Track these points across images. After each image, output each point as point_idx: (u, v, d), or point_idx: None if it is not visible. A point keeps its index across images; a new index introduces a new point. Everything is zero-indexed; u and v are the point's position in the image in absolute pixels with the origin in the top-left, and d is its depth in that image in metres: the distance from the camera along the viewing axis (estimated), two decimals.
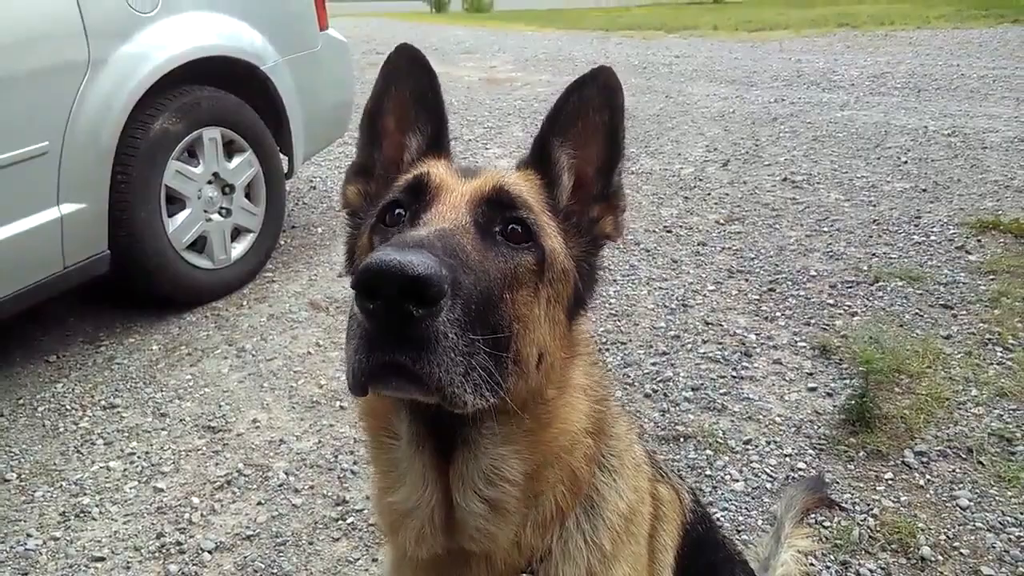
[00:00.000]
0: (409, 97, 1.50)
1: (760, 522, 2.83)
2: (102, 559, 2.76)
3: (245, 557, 2.74)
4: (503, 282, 1.19)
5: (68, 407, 3.72)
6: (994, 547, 2.63)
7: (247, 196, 4.95)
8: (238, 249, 4.93)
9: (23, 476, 3.24)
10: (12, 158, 3.52)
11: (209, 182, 4.65)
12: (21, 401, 3.78)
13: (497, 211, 1.28)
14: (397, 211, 1.32)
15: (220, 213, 4.75)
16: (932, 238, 5.21)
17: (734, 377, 3.75)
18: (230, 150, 4.80)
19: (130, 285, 4.50)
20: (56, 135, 3.71)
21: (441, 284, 0.99)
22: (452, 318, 1.03)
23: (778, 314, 4.34)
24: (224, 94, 4.71)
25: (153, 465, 3.28)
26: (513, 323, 1.18)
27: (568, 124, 1.44)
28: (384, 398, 1.29)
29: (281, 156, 5.31)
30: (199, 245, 4.66)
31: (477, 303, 1.09)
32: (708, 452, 3.21)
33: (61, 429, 3.55)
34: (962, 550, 2.63)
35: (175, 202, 4.48)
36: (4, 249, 3.54)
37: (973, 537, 2.68)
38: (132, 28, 4.12)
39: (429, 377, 1.02)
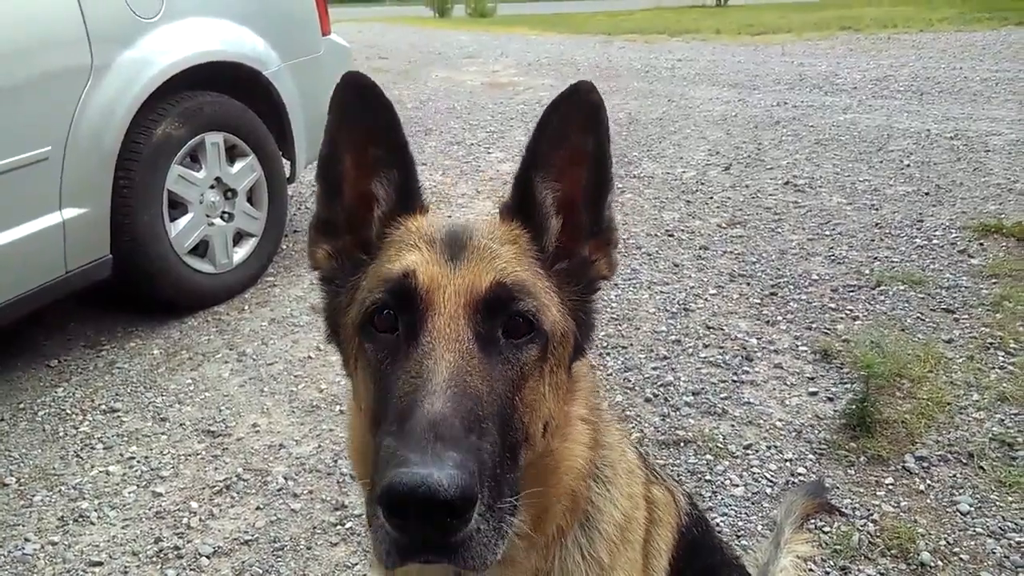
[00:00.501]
0: (364, 135, 1.35)
1: (760, 527, 2.82)
2: (100, 564, 2.76)
3: (243, 562, 2.74)
4: (512, 391, 1.16)
5: (68, 411, 3.73)
6: (994, 553, 2.62)
7: (249, 201, 4.96)
8: (240, 253, 4.94)
9: (22, 480, 3.25)
10: (15, 163, 3.53)
11: (211, 187, 4.66)
12: (21, 405, 3.79)
13: (497, 310, 1.20)
14: (386, 312, 1.22)
15: (222, 217, 4.76)
16: (934, 242, 5.20)
17: (735, 381, 3.74)
18: (232, 155, 4.81)
19: (132, 289, 4.51)
20: (59, 140, 3.73)
21: (473, 495, 0.98)
22: (483, 508, 1.02)
23: (779, 318, 4.33)
24: (227, 99, 4.72)
25: (152, 469, 3.28)
26: (524, 419, 1.17)
27: (549, 155, 1.32)
28: None
29: (283, 161, 5.32)
30: (201, 249, 4.67)
31: (497, 456, 1.08)
32: (708, 457, 3.20)
33: (61, 433, 3.56)
34: (962, 556, 2.62)
35: (177, 207, 4.49)
36: (7, 254, 3.55)
37: (973, 543, 2.67)
38: (135, 33, 4.13)
39: (467, 564, 1.03)
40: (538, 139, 1.31)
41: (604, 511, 1.39)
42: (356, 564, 2.71)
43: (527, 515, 1.24)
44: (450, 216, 5.56)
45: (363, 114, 1.34)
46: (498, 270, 1.23)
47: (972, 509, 2.81)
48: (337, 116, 1.36)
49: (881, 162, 7.18)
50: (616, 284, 4.87)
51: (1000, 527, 2.72)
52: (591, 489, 1.39)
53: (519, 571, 1.29)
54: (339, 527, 2.90)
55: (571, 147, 1.32)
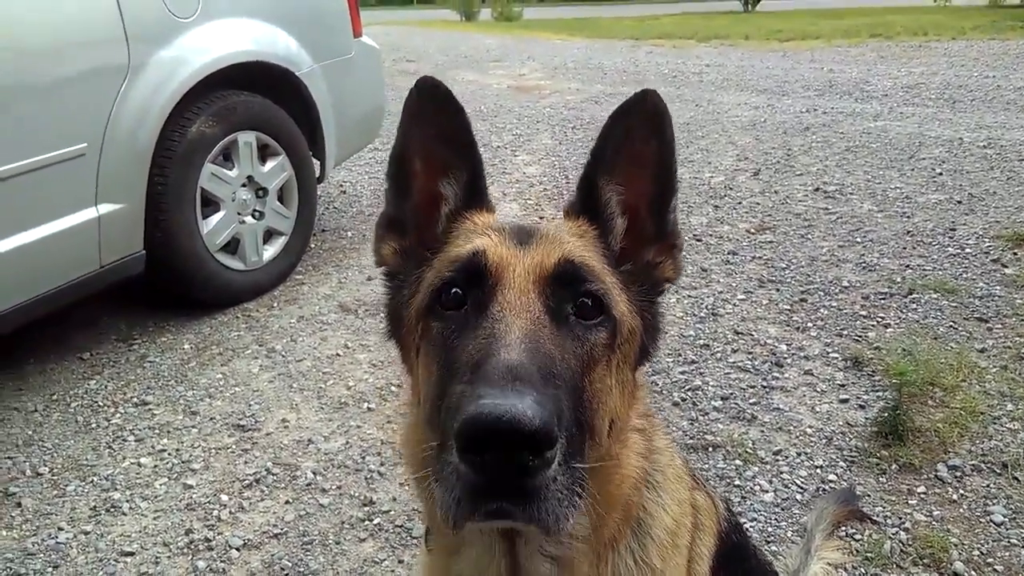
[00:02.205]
0: (437, 137, 1.38)
1: (790, 533, 2.79)
2: (131, 554, 2.80)
3: (272, 555, 2.76)
4: (582, 369, 1.15)
5: (100, 404, 3.78)
6: None
7: (279, 199, 5.01)
8: (270, 251, 4.98)
9: (55, 471, 3.29)
10: (53, 159, 3.59)
11: (243, 185, 4.72)
12: (54, 397, 3.85)
13: (567, 289, 1.20)
14: (454, 291, 1.22)
15: (253, 216, 4.81)
16: (967, 250, 5.13)
17: (764, 387, 3.71)
18: (264, 154, 4.86)
19: (164, 285, 4.57)
20: (96, 137, 3.78)
21: (554, 432, 0.95)
22: (560, 458, 0.99)
23: (809, 325, 4.29)
24: (260, 99, 4.77)
25: (183, 462, 3.32)
26: (592, 404, 1.15)
27: (614, 159, 1.34)
28: None
29: (313, 160, 5.36)
30: (232, 247, 4.73)
31: (571, 414, 1.06)
32: (737, 462, 3.18)
33: (93, 425, 3.61)
34: (996, 566, 2.58)
35: (209, 204, 4.54)
36: (43, 247, 3.61)
37: (1007, 554, 2.63)
38: (171, 33, 4.19)
39: (539, 521, 1.00)
40: (603, 143, 1.33)
41: (656, 517, 1.38)
42: (384, 560, 2.72)
43: (587, 519, 1.22)
44: None
45: (435, 116, 1.37)
46: (566, 251, 1.25)
47: (1006, 520, 2.77)
48: (410, 117, 1.39)
49: (913, 170, 7.10)
50: None
51: None
52: (643, 496, 1.37)
53: (576, 574, 1.27)
54: (367, 523, 2.91)
55: (636, 153, 1.33)
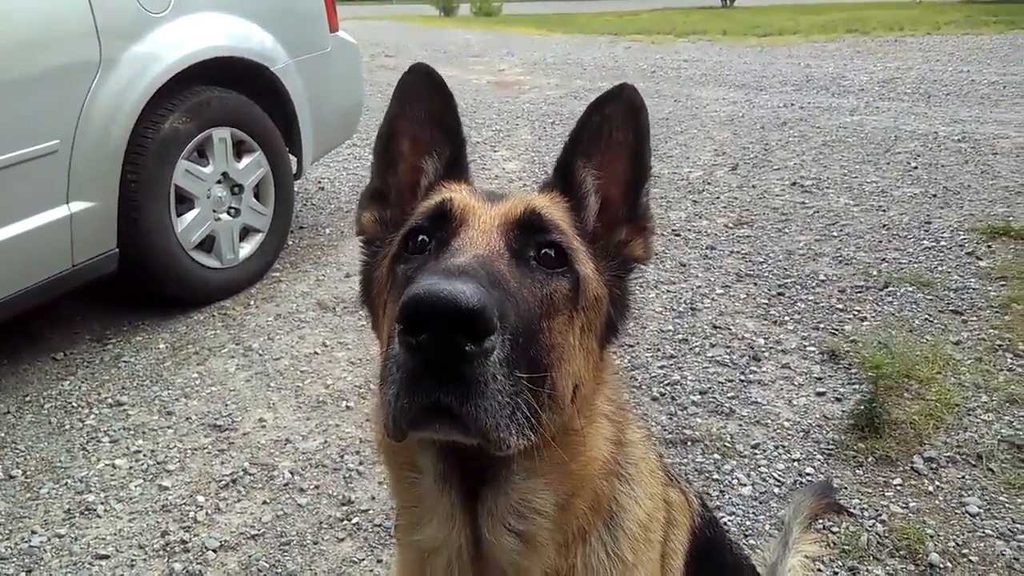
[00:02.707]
0: (425, 118, 1.45)
1: (768, 527, 2.81)
2: (106, 557, 2.76)
3: (249, 556, 2.74)
4: (541, 310, 1.15)
5: (74, 404, 3.73)
6: (1003, 554, 2.61)
7: (256, 196, 4.96)
8: (246, 249, 4.93)
9: (28, 473, 3.24)
10: (23, 156, 3.53)
11: (218, 182, 4.66)
12: (27, 398, 3.79)
13: (530, 235, 1.23)
14: (420, 238, 1.26)
15: (229, 213, 4.76)
16: (942, 244, 5.19)
17: (742, 381, 3.73)
18: (240, 150, 4.81)
19: (138, 284, 4.51)
20: (67, 134, 3.73)
21: (492, 317, 0.94)
22: (500, 356, 0.98)
23: (787, 318, 4.31)
24: (234, 95, 4.72)
25: (159, 463, 3.28)
26: (551, 354, 1.15)
27: (591, 144, 1.40)
28: None
29: (290, 157, 5.32)
30: (207, 244, 4.67)
31: (521, 336, 1.05)
32: (716, 456, 3.19)
33: (67, 426, 3.56)
34: (971, 557, 2.61)
35: (184, 201, 4.49)
36: (13, 246, 3.55)
37: (982, 544, 2.66)
38: (143, 28, 4.13)
39: (475, 421, 0.97)
40: (581, 130, 1.40)
41: (628, 510, 1.38)
42: (363, 560, 2.71)
43: (551, 495, 1.23)
44: None
45: (424, 100, 1.45)
46: (534, 203, 1.30)
47: (981, 511, 2.80)
48: (402, 100, 1.46)
49: (888, 164, 7.17)
50: None
51: (1009, 529, 2.71)
52: (615, 488, 1.37)
53: (540, 554, 1.26)
54: (345, 522, 2.89)
55: (611, 143, 1.40)
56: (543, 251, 1.23)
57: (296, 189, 5.77)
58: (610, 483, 1.36)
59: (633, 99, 1.37)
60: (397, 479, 1.34)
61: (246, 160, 4.83)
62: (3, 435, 3.50)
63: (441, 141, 1.46)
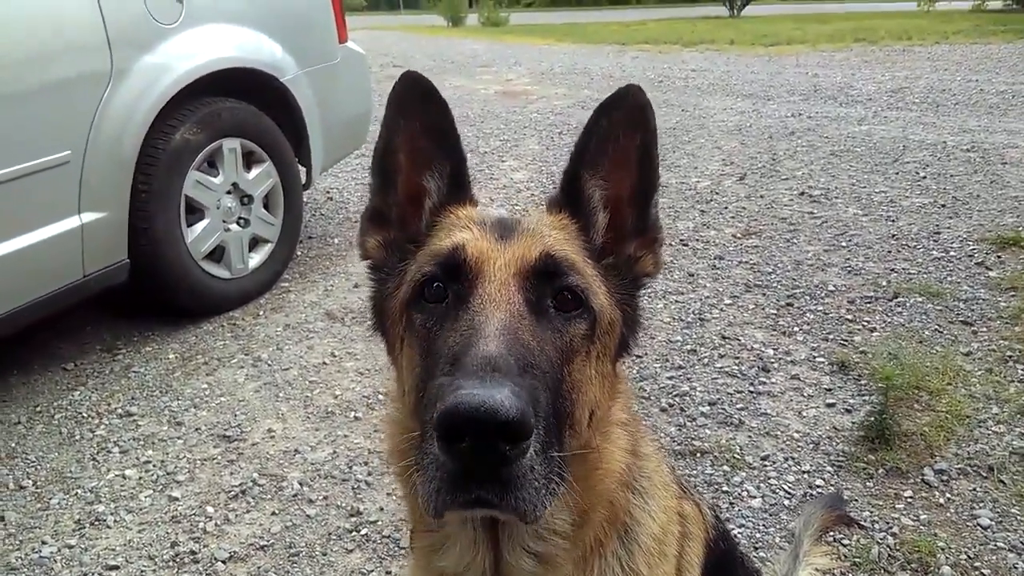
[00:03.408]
0: (421, 131, 1.40)
1: (778, 539, 2.79)
2: (116, 567, 2.76)
3: (259, 567, 2.74)
4: (561, 360, 1.16)
5: (85, 415, 3.74)
6: (1016, 567, 2.59)
7: (265, 207, 4.98)
8: (255, 259, 4.95)
9: (39, 483, 3.25)
10: (35, 167, 3.55)
11: (228, 192, 4.69)
12: (38, 408, 3.81)
13: (546, 282, 1.22)
14: (436, 285, 1.24)
15: (238, 223, 4.78)
16: (952, 254, 5.17)
17: (751, 392, 3.72)
18: (249, 161, 4.84)
19: (148, 294, 4.53)
20: (78, 144, 3.75)
21: (530, 421, 0.97)
22: (537, 447, 1.01)
23: (796, 329, 4.30)
24: (244, 105, 4.75)
25: (168, 474, 3.28)
26: (572, 394, 1.16)
27: (598, 153, 1.36)
28: None
29: (299, 167, 5.34)
30: (217, 255, 4.69)
31: (549, 403, 1.07)
32: (725, 468, 3.18)
33: (77, 437, 3.57)
34: (983, 570, 2.59)
35: (194, 212, 4.51)
36: (25, 257, 3.57)
37: (994, 557, 2.64)
38: (154, 39, 4.16)
39: (514, 508, 1.01)
40: (587, 138, 1.35)
41: (643, 523, 1.38)
42: (372, 571, 2.70)
43: (568, 514, 1.24)
44: None
45: (418, 112, 1.38)
46: (547, 245, 1.26)
47: (993, 523, 2.78)
48: (394, 112, 1.40)
49: (897, 174, 7.15)
50: None
51: (1022, 541, 2.69)
52: (629, 501, 1.37)
53: (558, 573, 1.27)
54: (354, 533, 2.89)
55: (619, 147, 1.35)
56: (559, 293, 1.22)
57: (305, 199, 5.80)
58: (624, 495, 1.35)
59: (640, 100, 1.33)
60: (415, 505, 1.33)
61: (256, 171, 4.86)
62: (14, 445, 3.51)
63: (440, 156, 1.42)
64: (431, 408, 1.02)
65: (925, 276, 4.86)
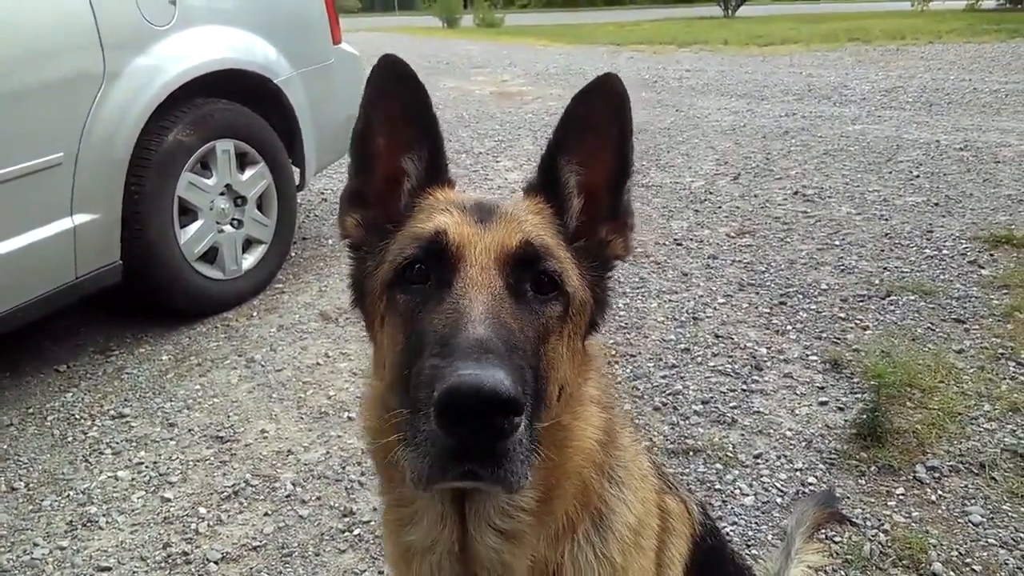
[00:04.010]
0: (398, 113, 1.42)
1: (770, 537, 2.80)
2: (108, 569, 2.76)
3: (251, 568, 2.74)
4: (538, 340, 1.21)
5: (77, 416, 3.73)
6: (1007, 564, 2.59)
7: (259, 208, 4.98)
8: (249, 260, 4.95)
9: (31, 485, 3.25)
10: (27, 168, 3.54)
11: (221, 193, 4.68)
12: (30, 410, 3.80)
13: (525, 267, 1.26)
14: (418, 267, 1.27)
15: (232, 224, 4.77)
16: (944, 252, 5.18)
17: (744, 391, 3.72)
18: (243, 162, 4.83)
19: (142, 295, 4.53)
20: (71, 146, 3.74)
21: (523, 400, 1.02)
22: (525, 422, 1.06)
23: (789, 328, 4.31)
24: (237, 107, 4.74)
25: (161, 475, 3.28)
26: (547, 371, 1.21)
27: (575, 140, 1.39)
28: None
29: (293, 168, 5.34)
30: (210, 256, 4.69)
31: (531, 381, 1.12)
32: (718, 466, 3.18)
33: (70, 438, 3.56)
34: (974, 567, 2.59)
35: (187, 213, 4.51)
36: (17, 259, 3.56)
37: (986, 554, 2.65)
38: (147, 41, 4.15)
39: (502, 480, 1.06)
40: (565, 124, 1.38)
41: (617, 512, 1.39)
42: (364, 571, 2.70)
43: (534, 491, 1.26)
44: None
45: (397, 93, 1.40)
46: (526, 232, 1.29)
47: (984, 520, 2.79)
48: (372, 94, 1.42)
49: (890, 173, 7.17)
50: (624, 293, 4.87)
51: (1013, 538, 2.70)
52: (604, 489, 1.39)
53: (524, 549, 1.29)
54: (347, 533, 2.89)
55: (596, 134, 1.38)
56: (537, 277, 1.26)
57: (299, 200, 5.79)
58: (599, 481, 1.37)
59: (617, 89, 1.36)
60: (387, 480, 1.38)
61: (249, 172, 4.85)
62: (6, 447, 3.50)
63: (419, 137, 1.44)
64: (424, 388, 1.05)
65: (918, 274, 4.87)
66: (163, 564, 2.77)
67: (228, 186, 4.72)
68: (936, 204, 6.18)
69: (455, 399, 0.98)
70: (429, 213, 1.36)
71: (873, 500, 2.93)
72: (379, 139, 1.45)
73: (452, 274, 1.22)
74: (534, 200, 1.41)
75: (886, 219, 5.92)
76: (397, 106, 1.41)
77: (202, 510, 3.04)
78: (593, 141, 1.39)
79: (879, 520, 2.82)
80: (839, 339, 4.14)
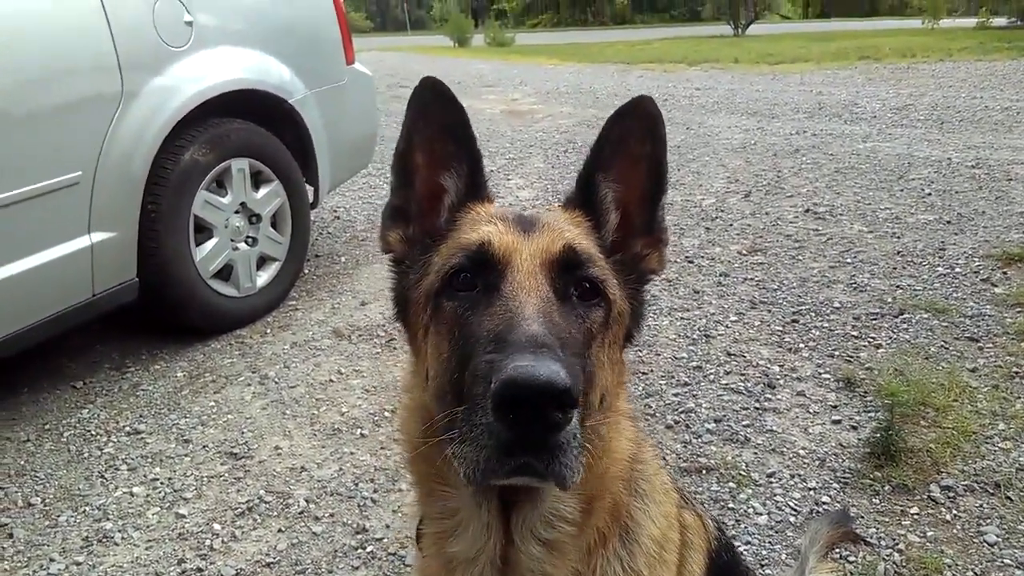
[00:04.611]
0: (438, 132, 1.48)
1: (784, 556, 2.79)
2: None
3: None
4: (584, 342, 1.24)
5: (93, 433, 3.76)
6: None
7: (273, 225, 5.03)
8: (263, 278, 4.99)
9: (47, 501, 3.27)
10: (46, 187, 3.60)
11: (236, 212, 4.73)
12: (47, 426, 3.83)
13: (569, 273, 1.30)
14: (464, 275, 1.31)
15: (246, 242, 4.82)
16: (957, 270, 5.17)
17: (757, 409, 3.72)
18: (257, 180, 4.88)
19: (157, 312, 4.57)
20: (89, 165, 3.80)
21: (578, 392, 1.05)
22: (576, 418, 1.08)
23: (801, 345, 4.31)
24: (253, 126, 4.80)
25: (176, 491, 3.30)
26: (592, 378, 1.24)
27: (611, 158, 1.44)
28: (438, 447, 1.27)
29: (307, 186, 5.39)
30: (225, 273, 4.73)
31: (581, 379, 1.15)
32: (731, 485, 3.18)
33: (86, 454, 3.59)
34: None
35: (203, 231, 4.55)
36: (36, 276, 3.61)
37: (1001, 574, 2.63)
38: (164, 62, 4.22)
39: (557, 475, 1.08)
40: (601, 143, 1.44)
41: (643, 525, 1.41)
42: None
43: (576, 501, 1.29)
44: None
45: (436, 114, 1.46)
46: (568, 239, 1.34)
47: (1000, 540, 2.77)
48: (414, 114, 1.48)
49: (902, 190, 7.17)
50: None
51: None
52: (631, 502, 1.41)
53: (566, 561, 1.31)
54: (360, 551, 2.90)
55: (630, 153, 1.44)
56: (581, 283, 1.30)
57: (312, 218, 5.85)
58: (627, 492, 1.40)
59: (651, 111, 1.42)
60: (428, 492, 1.40)
61: (264, 190, 4.91)
62: (23, 463, 3.54)
63: (458, 155, 1.49)
64: (480, 382, 1.09)
65: (931, 292, 4.86)
66: None
67: (243, 204, 4.77)
68: (948, 222, 6.17)
69: (512, 390, 1.00)
70: (472, 225, 1.40)
71: (887, 519, 2.92)
72: (420, 157, 1.50)
73: (500, 279, 1.26)
74: (572, 213, 1.45)
75: (898, 237, 5.91)
76: (437, 126, 1.47)
77: (216, 526, 3.06)
78: (628, 160, 1.44)
79: (893, 540, 2.81)
80: (852, 357, 4.13)
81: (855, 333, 4.40)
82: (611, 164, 1.45)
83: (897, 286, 5.00)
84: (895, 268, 5.31)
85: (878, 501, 3.02)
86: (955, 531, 2.84)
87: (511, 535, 1.30)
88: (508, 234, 1.33)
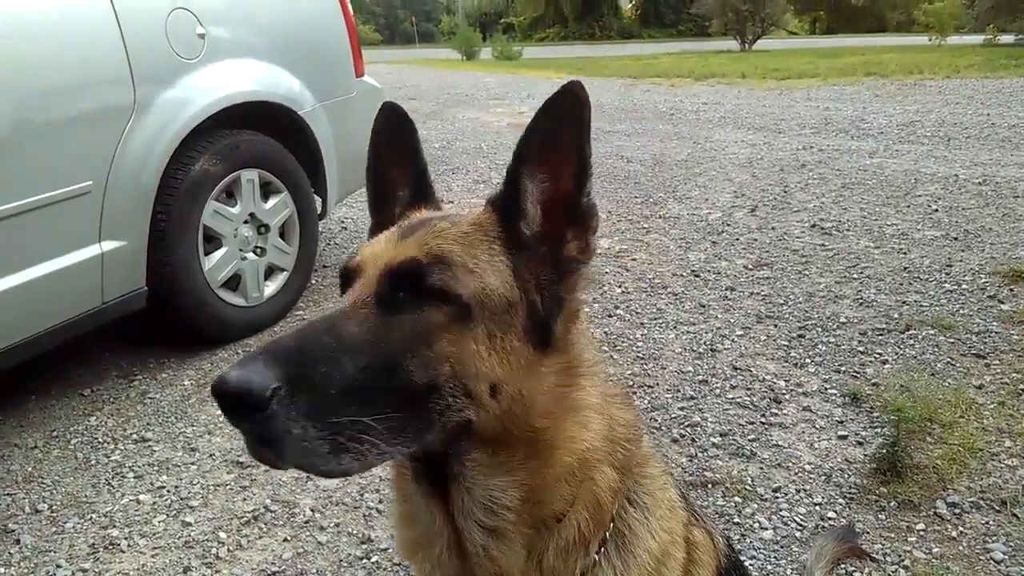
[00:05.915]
0: (399, 150, 1.59)
1: (789, 572, 2.78)
2: None
3: None
4: (411, 341, 1.22)
5: (100, 440, 3.78)
6: None
7: (281, 236, 5.06)
8: (271, 287, 5.01)
9: (54, 507, 3.29)
10: (58, 196, 3.63)
11: (245, 222, 4.76)
12: (55, 433, 3.85)
13: (405, 279, 1.27)
14: (341, 287, 1.39)
15: (255, 252, 4.85)
16: (964, 287, 5.17)
17: (763, 423, 3.72)
18: (267, 191, 4.92)
19: (165, 321, 4.59)
20: (100, 175, 3.83)
21: (261, 392, 1.07)
22: (297, 412, 1.10)
23: (808, 361, 4.31)
24: (263, 137, 4.84)
25: (182, 499, 3.31)
26: (438, 367, 1.22)
27: (539, 149, 1.39)
28: None
29: (315, 197, 5.42)
30: (233, 283, 4.75)
31: (348, 381, 1.15)
32: (736, 499, 3.18)
33: (93, 462, 3.61)
34: None
35: (212, 241, 4.58)
36: (47, 284, 3.64)
37: None
38: (176, 74, 4.26)
39: (300, 465, 1.13)
40: (529, 134, 1.39)
41: (641, 537, 1.41)
42: None
43: (517, 490, 1.31)
44: None
45: (398, 133, 1.58)
46: (422, 245, 1.32)
47: (1006, 557, 2.76)
48: (379, 137, 1.60)
49: (909, 206, 7.17)
50: (642, 323, 4.89)
51: None
52: (628, 512, 1.41)
53: (513, 548, 1.33)
54: (365, 560, 2.90)
55: (557, 142, 1.38)
56: (416, 288, 1.26)
57: (320, 229, 5.87)
58: (615, 501, 1.39)
59: (578, 94, 1.35)
60: (394, 473, 1.49)
61: (273, 201, 4.94)
62: (31, 469, 3.55)
63: (410, 170, 1.59)
64: None
65: (937, 309, 4.86)
66: None
67: (252, 214, 4.80)
68: (955, 238, 6.17)
69: (212, 394, 1.10)
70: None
71: (893, 535, 2.91)
72: (392, 172, 1.61)
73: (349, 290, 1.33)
74: (486, 211, 1.43)
75: (905, 253, 5.92)
76: (397, 144, 1.59)
77: (222, 535, 3.07)
78: (556, 149, 1.39)
79: (899, 556, 2.80)
80: (858, 373, 4.13)
81: (861, 348, 4.40)
82: (537, 156, 1.39)
83: (903, 302, 5.00)
84: (901, 284, 5.31)
85: (884, 517, 3.02)
86: (961, 548, 2.83)
87: (456, 524, 1.34)
88: (381, 243, 1.38)
